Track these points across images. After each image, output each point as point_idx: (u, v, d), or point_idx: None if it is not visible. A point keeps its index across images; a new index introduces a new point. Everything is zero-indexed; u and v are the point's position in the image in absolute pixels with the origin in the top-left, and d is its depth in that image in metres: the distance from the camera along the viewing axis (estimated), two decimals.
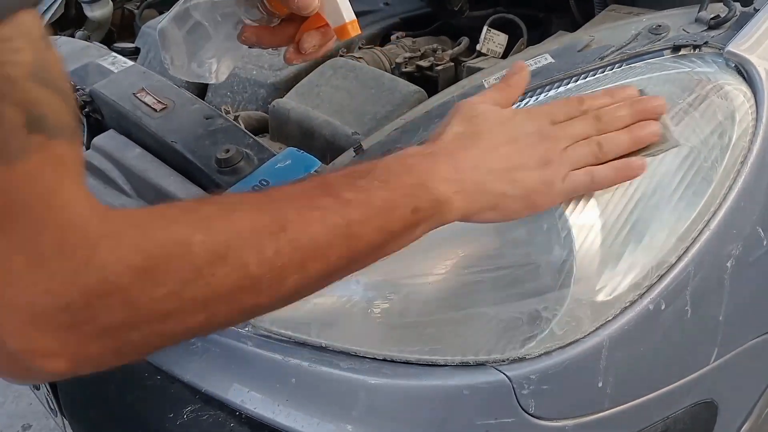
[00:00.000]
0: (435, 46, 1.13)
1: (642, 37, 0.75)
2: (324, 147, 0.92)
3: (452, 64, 1.08)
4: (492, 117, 0.57)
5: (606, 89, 0.64)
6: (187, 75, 0.71)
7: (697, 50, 0.71)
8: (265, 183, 0.77)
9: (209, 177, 0.79)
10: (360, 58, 1.10)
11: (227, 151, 0.81)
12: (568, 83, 0.72)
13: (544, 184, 0.55)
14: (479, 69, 0.98)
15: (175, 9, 0.68)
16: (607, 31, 0.81)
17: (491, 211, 0.54)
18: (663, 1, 1.02)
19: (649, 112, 0.60)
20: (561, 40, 0.84)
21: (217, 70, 0.71)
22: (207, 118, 0.87)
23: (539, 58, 0.79)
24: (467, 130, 0.56)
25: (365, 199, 0.47)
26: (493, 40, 1.14)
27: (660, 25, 0.77)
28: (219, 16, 0.66)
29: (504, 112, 0.59)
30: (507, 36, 1.13)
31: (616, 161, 0.58)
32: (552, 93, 0.70)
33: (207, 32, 0.67)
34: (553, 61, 0.77)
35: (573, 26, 1.04)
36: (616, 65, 0.72)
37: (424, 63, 1.08)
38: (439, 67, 1.06)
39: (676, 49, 0.72)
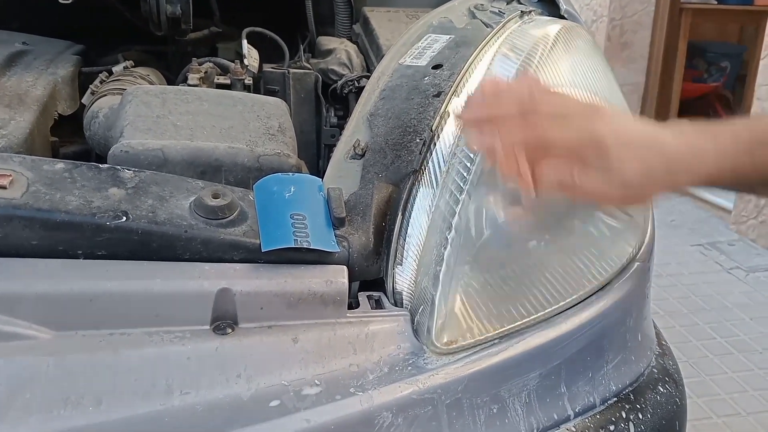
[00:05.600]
0: (208, 66, 1.04)
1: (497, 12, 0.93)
2: (227, 176, 0.78)
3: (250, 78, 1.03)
4: None
5: None
6: None
7: (530, 14, 0.93)
8: (300, 217, 0.64)
9: (186, 239, 0.61)
10: (146, 75, 0.94)
11: (216, 196, 0.62)
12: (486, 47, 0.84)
13: None
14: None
15: None
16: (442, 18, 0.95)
17: None
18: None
19: None
20: (416, 28, 0.94)
21: None
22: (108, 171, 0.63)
23: (428, 40, 0.88)
24: None
25: None
26: (251, 55, 1.12)
27: (482, 4, 0.96)
28: None
29: None
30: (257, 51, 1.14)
31: None
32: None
33: None
34: (451, 36, 0.87)
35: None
36: (501, 31, 0.87)
37: (223, 80, 1.00)
38: (248, 82, 1.00)
39: (523, 14, 0.92)
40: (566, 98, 0.62)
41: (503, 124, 0.58)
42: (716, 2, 4.07)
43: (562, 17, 0.96)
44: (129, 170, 0.66)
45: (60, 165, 0.64)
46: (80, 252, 0.59)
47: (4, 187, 0.59)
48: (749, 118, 0.67)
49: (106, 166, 0.66)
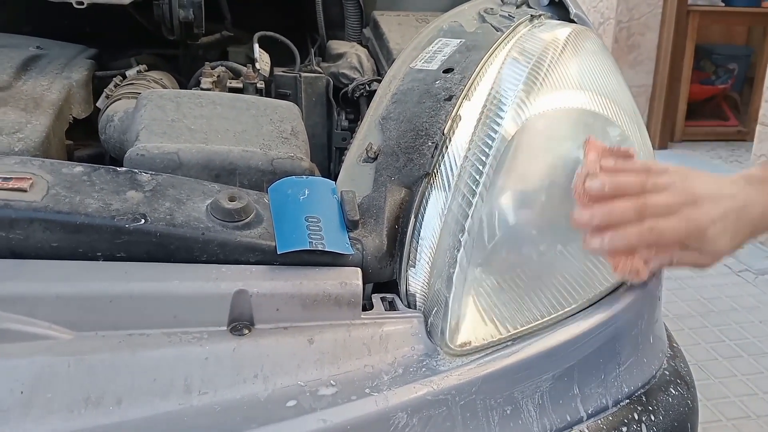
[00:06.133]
0: (221, 70, 1.05)
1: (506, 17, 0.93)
2: (241, 179, 0.79)
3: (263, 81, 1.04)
4: None
5: None
6: None
7: (540, 18, 0.94)
8: (314, 219, 0.64)
9: (203, 241, 0.61)
10: (160, 79, 0.96)
11: (232, 199, 0.63)
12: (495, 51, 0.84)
13: None
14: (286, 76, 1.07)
15: None
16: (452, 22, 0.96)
17: None
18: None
19: None
20: (426, 32, 0.94)
21: None
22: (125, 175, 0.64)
23: (439, 44, 0.89)
24: None
25: None
26: (262, 59, 1.13)
27: (492, 8, 0.97)
28: None
29: None
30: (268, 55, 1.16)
31: None
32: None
33: None
34: (461, 40, 0.88)
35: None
36: (511, 35, 0.88)
37: (236, 84, 1.02)
38: (260, 86, 1.01)
39: (532, 18, 0.93)
40: (670, 179, 0.64)
41: (622, 229, 0.61)
42: (723, 4, 4.06)
43: (572, 21, 0.96)
44: (146, 173, 0.67)
45: (79, 168, 0.65)
46: (100, 254, 0.60)
47: (24, 191, 0.60)
48: None
49: (123, 169, 0.67)
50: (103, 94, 1.01)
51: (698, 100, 4.22)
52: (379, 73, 1.11)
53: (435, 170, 0.71)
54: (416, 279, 0.67)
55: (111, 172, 0.66)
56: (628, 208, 0.61)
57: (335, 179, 0.76)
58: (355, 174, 0.76)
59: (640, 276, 0.63)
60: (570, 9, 0.98)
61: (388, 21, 1.21)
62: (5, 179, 0.61)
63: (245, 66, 1.09)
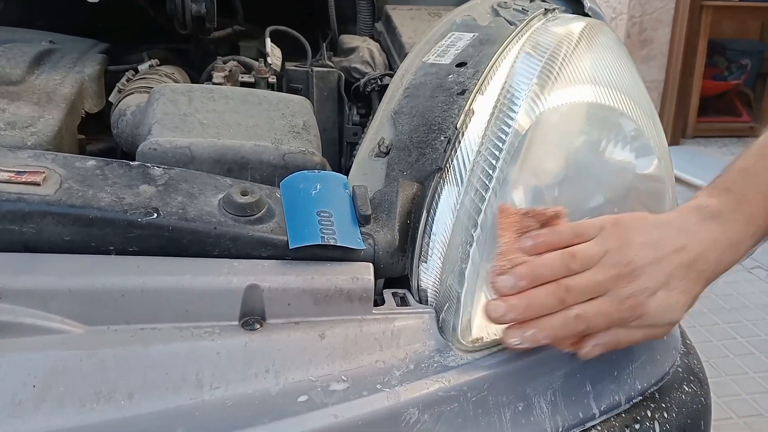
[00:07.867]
0: (232, 65, 1.05)
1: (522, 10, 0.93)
2: (253, 174, 0.79)
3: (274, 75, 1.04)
4: None
5: None
6: None
7: (554, 11, 0.93)
8: (326, 214, 0.64)
9: (215, 235, 0.61)
10: (171, 73, 0.96)
11: (244, 193, 0.63)
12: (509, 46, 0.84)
13: None
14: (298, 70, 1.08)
15: None
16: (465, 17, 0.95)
17: None
18: None
19: None
20: (439, 26, 0.94)
21: None
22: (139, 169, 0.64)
23: (452, 38, 0.88)
24: None
25: None
26: (274, 53, 1.13)
27: (506, 2, 0.96)
28: None
29: None
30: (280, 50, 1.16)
31: None
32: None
33: None
34: (474, 34, 0.87)
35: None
36: (524, 29, 0.87)
37: (248, 78, 1.01)
38: (271, 80, 1.01)
39: (546, 12, 0.92)
40: (602, 247, 0.58)
41: (544, 320, 0.57)
42: None
43: (586, 15, 0.96)
44: (159, 167, 0.67)
45: (92, 162, 0.65)
46: (112, 248, 0.60)
47: (37, 184, 0.60)
48: None
49: (136, 163, 0.67)
50: (116, 89, 1.02)
51: (711, 95, 4.18)
52: (391, 68, 1.11)
53: (447, 165, 0.70)
54: (428, 274, 0.67)
55: (124, 166, 0.66)
56: (548, 295, 0.56)
57: (347, 174, 0.76)
58: (367, 169, 0.75)
59: (590, 355, 0.59)
60: (584, 3, 0.97)
61: (400, 15, 1.20)
62: (19, 173, 0.61)
63: (257, 60, 1.09)
